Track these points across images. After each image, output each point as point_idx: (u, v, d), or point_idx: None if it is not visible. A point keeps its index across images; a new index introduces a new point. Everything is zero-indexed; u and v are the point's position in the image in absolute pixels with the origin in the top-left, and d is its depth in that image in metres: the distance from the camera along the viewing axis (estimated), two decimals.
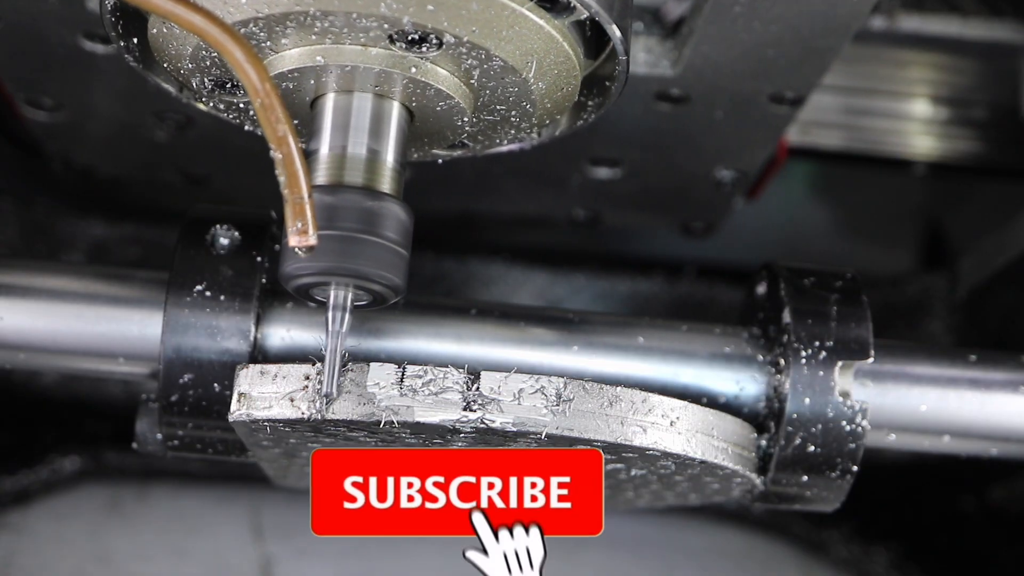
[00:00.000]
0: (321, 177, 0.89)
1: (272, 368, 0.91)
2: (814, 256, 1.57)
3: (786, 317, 1.03)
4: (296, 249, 0.82)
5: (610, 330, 1.07)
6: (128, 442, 1.05)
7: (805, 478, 1.03)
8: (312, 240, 0.81)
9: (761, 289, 1.10)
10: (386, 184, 0.89)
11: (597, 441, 0.89)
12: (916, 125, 1.48)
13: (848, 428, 1.01)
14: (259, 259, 1.01)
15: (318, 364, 0.89)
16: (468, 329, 1.05)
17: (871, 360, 1.02)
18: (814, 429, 1.01)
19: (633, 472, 1.01)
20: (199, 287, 0.99)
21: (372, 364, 0.89)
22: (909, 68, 1.47)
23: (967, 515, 1.53)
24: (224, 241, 1.01)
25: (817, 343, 1.02)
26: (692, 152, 1.24)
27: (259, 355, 1.01)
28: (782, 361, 1.03)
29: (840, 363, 1.02)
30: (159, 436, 1.03)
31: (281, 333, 1.02)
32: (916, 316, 1.59)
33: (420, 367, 0.88)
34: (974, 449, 1.10)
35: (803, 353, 1.02)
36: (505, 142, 0.98)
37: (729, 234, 1.54)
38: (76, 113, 1.25)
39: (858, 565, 1.54)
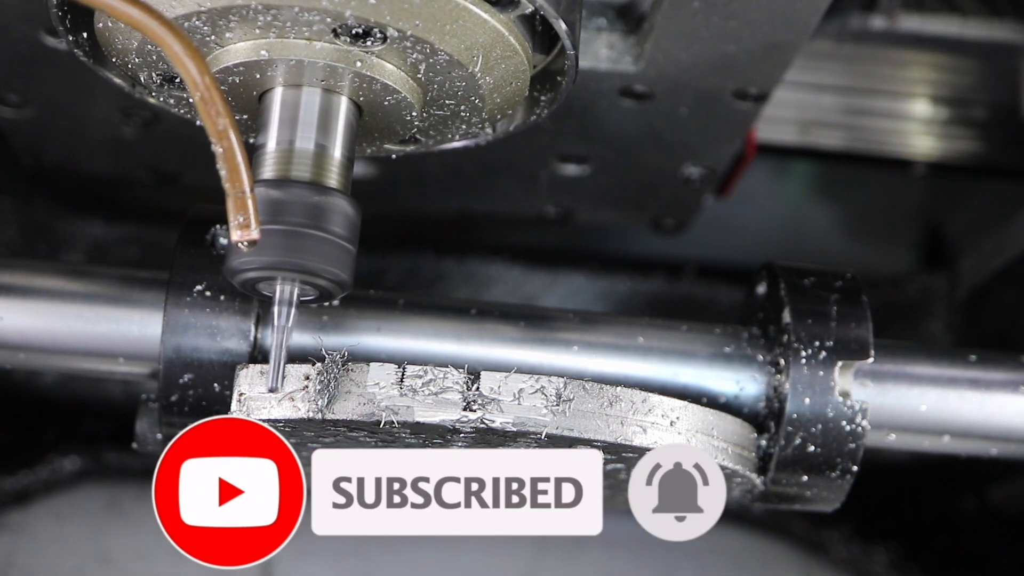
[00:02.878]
0: (268, 171, 0.88)
1: None
2: (814, 256, 1.57)
3: (786, 317, 1.03)
4: (239, 244, 0.82)
5: (610, 330, 1.07)
6: (128, 442, 1.05)
7: (805, 478, 1.03)
8: (254, 235, 0.81)
9: (761, 289, 1.10)
10: (333, 179, 0.89)
11: (597, 441, 0.89)
12: (916, 125, 1.48)
13: (848, 428, 1.01)
14: None
15: (318, 364, 0.89)
16: (468, 329, 1.05)
17: (871, 360, 1.02)
18: (814, 429, 1.01)
19: None
20: (199, 287, 0.99)
21: (372, 364, 0.89)
22: (909, 68, 1.47)
23: (967, 515, 1.53)
24: (224, 241, 1.01)
25: (817, 343, 1.02)
26: (659, 149, 1.24)
27: (259, 355, 1.01)
28: (782, 361, 1.03)
29: (840, 363, 1.02)
30: (159, 436, 1.03)
31: None
32: (916, 316, 1.59)
33: (420, 367, 0.88)
34: (974, 449, 1.10)
35: (803, 353, 1.02)
36: (457, 137, 0.98)
37: (729, 234, 1.54)
38: (42, 110, 1.24)
39: (858, 565, 1.54)
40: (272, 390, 0.89)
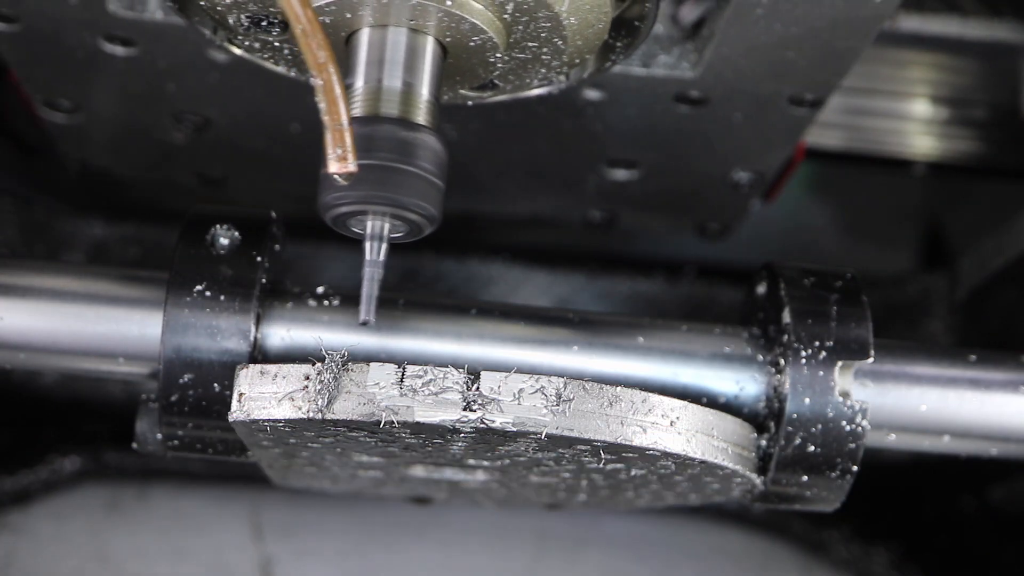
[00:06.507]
0: (357, 110, 0.89)
1: (272, 368, 0.91)
2: (814, 256, 1.57)
3: (786, 317, 1.03)
4: (335, 176, 0.83)
5: (610, 330, 1.07)
6: (128, 442, 1.05)
7: (805, 478, 1.03)
8: (351, 167, 0.82)
9: (761, 289, 1.10)
10: (421, 116, 0.90)
11: (597, 441, 0.89)
12: (916, 125, 1.48)
13: (848, 428, 1.01)
14: (259, 259, 1.01)
15: (318, 364, 0.89)
16: (468, 329, 1.05)
17: (871, 360, 1.02)
18: (814, 429, 1.01)
19: (633, 472, 1.01)
20: (199, 287, 0.99)
21: (372, 364, 0.89)
22: (909, 68, 1.47)
23: (967, 515, 1.53)
24: (224, 241, 1.01)
25: (817, 343, 1.02)
26: (710, 154, 1.24)
27: (259, 355, 1.01)
28: (782, 361, 1.03)
29: (840, 363, 1.02)
30: (159, 436, 1.03)
31: (281, 333, 1.02)
32: (916, 316, 1.59)
33: (420, 367, 0.88)
34: (974, 449, 1.10)
35: (803, 353, 1.02)
36: (535, 82, 0.98)
37: None
38: (93, 115, 1.25)
39: (858, 565, 1.54)
40: (364, 323, 0.91)
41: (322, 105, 0.81)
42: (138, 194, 1.47)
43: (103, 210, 1.53)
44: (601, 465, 0.96)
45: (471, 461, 1.02)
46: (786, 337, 1.03)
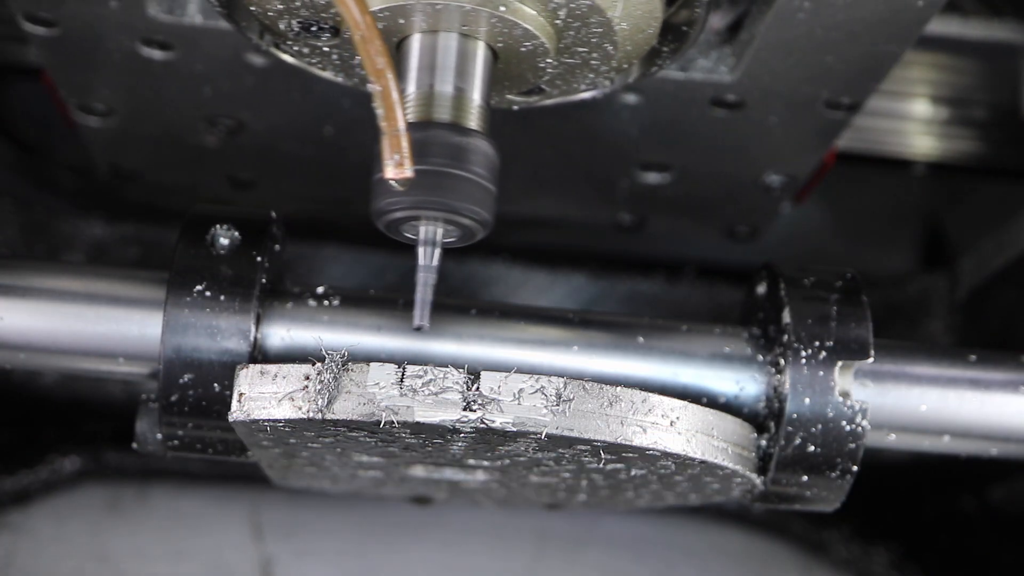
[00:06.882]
0: (410, 115, 0.90)
1: (272, 368, 0.91)
2: (814, 256, 1.57)
3: (786, 317, 1.03)
4: (391, 182, 0.83)
5: (610, 330, 1.07)
6: (128, 442, 1.05)
7: (805, 478, 1.03)
8: (408, 172, 0.83)
9: (761, 289, 1.10)
10: (473, 121, 0.90)
11: (597, 441, 0.89)
12: (916, 125, 1.48)
13: (848, 428, 1.01)
14: (259, 259, 1.01)
15: (318, 364, 0.89)
16: (468, 329, 1.05)
17: (871, 360, 1.02)
18: (814, 429, 1.01)
19: (633, 472, 1.00)
20: (199, 287, 0.99)
21: (372, 364, 0.89)
22: (909, 68, 1.47)
23: (967, 515, 1.53)
24: (224, 241, 1.01)
25: (817, 343, 1.02)
26: (743, 157, 1.24)
27: (259, 355, 1.01)
28: (782, 361, 1.03)
29: (840, 363, 1.02)
30: (159, 436, 1.03)
31: (281, 333, 1.02)
32: (916, 316, 1.59)
33: (420, 367, 0.88)
34: (974, 449, 1.10)
35: (803, 353, 1.02)
36: (582, 87, 0.99)
37: None
38: (126, 119, 1.26)
39: (858, 565, 1.54)
40: (418, 328, 0.92)
41: (379, 111, 0.82)
42: (127, 192, 1.48)
43: (103, 210, 1.53)
44: (601, 465, 0.96)
45: (471, 461, 1.02)
46: (786, 337, 1.03)
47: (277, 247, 1.04)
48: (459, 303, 1.07)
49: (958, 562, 1.51)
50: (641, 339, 1.07)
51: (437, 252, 0.91)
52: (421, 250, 0.91)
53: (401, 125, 0.82)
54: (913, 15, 0.98)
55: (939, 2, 0.97)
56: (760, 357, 1.06)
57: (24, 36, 1.11)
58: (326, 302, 1.04)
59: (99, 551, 1.49)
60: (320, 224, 1.51)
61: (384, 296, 1.06)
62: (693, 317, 1.12)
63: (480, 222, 0.90)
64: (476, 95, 0.91)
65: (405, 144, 0.82)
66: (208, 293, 0.99)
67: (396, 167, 0.82)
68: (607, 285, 1.59)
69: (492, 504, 1.33)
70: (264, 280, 1.01)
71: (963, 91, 1.48)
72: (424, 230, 0.91)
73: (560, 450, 0.93)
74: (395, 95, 0.81)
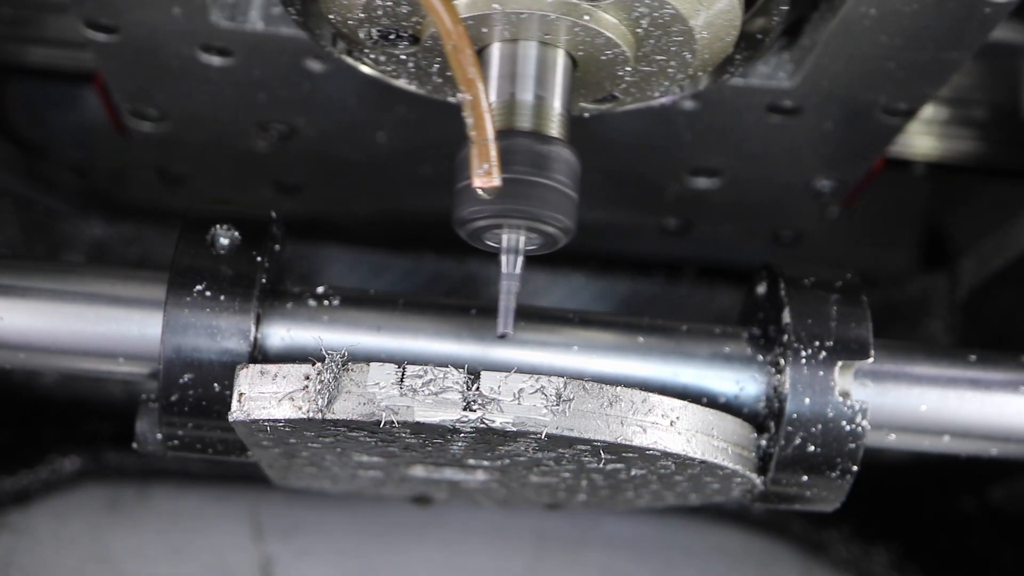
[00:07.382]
0: None
1: (272, 368, 0.91)
2: (814, 256, 1.57)
3: (786, 317, 1.03)
4: (478, 190, 0.84)
5: (610, 330, 1.07)
6: (128, 442, 1.05)
7: (805, 478, 1.03)
8: (496, 181, 0.83)
9: (761, 289, 1.10)
10: (555, 129, 0.91)
11: (597, 441, 0.89)
12: (916, 125, 1.48)
13: (848, 428, 1.01)
14: (259, 259, 1.01)
15: (318, 364, 0.89)
16: (468, 329, 1.05)
17: (871, 360, 1.02)
18: (814, 429, 1.01)
19: (633, 472, 1.01)
20: (199, 287, 0.99)
21: (372, 364, 0.89)
22: None
23: (967, 515, 1.53)
24: (224, 241, 1.01)
25: (817, 343, 1.02)
26: (794, 162, 1.24)
27: (259, 355, 1.01)
28: (782, 361, 1.03)
29: (840, 363, 1.02)
30: (159, 436, 1.03)
31: (281, 333, 1.02)
32: (916, 316, 1.59)
33: (420, 367, 0.88)
34: (974, 449, 1.10)
35: (803, 353, 1.02)
36: (656, 95, 0.99)
37: None
38: (179, 124, 1.26)
39: (858, 565, 1.54)
40: (502, 336, 0.91)
41: (469, 120, 0.82)
42: (127, 192, 1.47)
43: (103, 210, 1.53)
44: (601, 465, 0.96)
45: (471, 461, 1.02)
46: (786, 337, 1.03)
47: (277, 247, 1.04)
48: (459, 303, 1.07)
49: (958, 562, 1.51)
50: (641, 339, 1.07)
51: (520, 260, 0.91)
52: (504, 258, 0.91)
53: (490, 134, 0.82)
54: (979, 22, 0.98)
55: (1006, 9, 0.96)
56: (760, 357, 1.06)
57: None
58: (326, 302, 1.04)
59: (99, 551, 1.49)
60: (320, 224, 1.51)
61: (384, 296, 1.06)
62: (693, 317, 1.12)
63: (563, 229, 0.90)
64: (557, 103, 0.91)
65: (494, 153, 0.83)
66: (208, 293, 0.99)
67: (484, 176, 0.83)
68: (607, 285, 1.59)
69: (492, 504, 1.33)
70: (264, 280, 1.01)
71: (963, 91, 1.48)
72: (507, 238, 0.91)
73: (560, 450, 0.93)
74: (484, 104, 0.82)
